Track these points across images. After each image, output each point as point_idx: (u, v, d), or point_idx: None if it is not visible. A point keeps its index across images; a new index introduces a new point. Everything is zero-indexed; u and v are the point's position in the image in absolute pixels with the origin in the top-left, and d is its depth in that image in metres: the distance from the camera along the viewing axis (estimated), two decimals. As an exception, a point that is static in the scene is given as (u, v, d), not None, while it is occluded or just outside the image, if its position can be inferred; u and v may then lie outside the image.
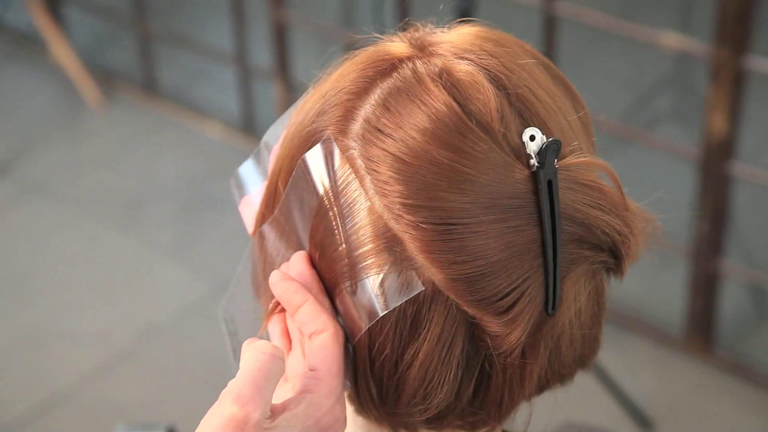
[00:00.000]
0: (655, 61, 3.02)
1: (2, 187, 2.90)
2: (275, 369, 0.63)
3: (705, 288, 2.26)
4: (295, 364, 0.68)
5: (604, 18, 2.33)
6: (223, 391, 0.62)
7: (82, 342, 2.39)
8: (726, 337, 2.32)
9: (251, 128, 3.00)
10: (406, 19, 0.74)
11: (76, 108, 3.18)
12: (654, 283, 2.43)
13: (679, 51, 2.44)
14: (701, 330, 2.30)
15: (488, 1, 2.24)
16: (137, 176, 2.93)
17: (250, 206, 0.74)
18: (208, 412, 0.61)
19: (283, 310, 0.69)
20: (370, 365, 0.66)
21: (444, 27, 0.70)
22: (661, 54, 2.76)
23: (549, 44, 2.30)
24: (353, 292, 0.65)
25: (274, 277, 0.67)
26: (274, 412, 0.63)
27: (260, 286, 0.72)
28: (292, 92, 2.80)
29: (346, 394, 0.69)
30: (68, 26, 3.37)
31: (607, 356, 2.17)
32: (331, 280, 0.66)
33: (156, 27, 3.19)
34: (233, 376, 0.64)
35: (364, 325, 0.65)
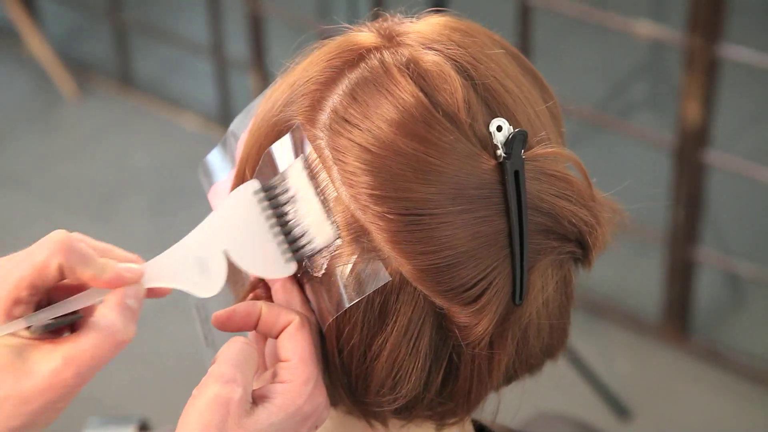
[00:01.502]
0: (629, 50, 3.03)
1: (-23, 180, 2.89)
2: (250, 352, 0.64)
3: (681, 275, 2.27)
4: (273, 352, 0.68)
5: (577, 7, 2.33)
6: (204, 377, 0.63)
7: (58, 335, 2.38)
8: (702, 323, 2.34)
9: (227, 119, 2.99)
10: (376, 9, 0.73)
11: (51, 100, 3.16)
12: (630, 270, 2.45)
13: (653, 39, 2.45)
14: (677, 317, 2.31)
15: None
16: (112, 168, 2.92)
17: (219, 194, 0.74)
18: (191, 397, 0.62)
19: (255, 297, 0.69)
20: (339, 354, 0.66)
21: (412, 17, 0.70)
22: (634, 42, 2.77)
23: (524, 34, 2.30)
24: (321, 282, 0.65)
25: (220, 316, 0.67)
26: (254, 399, 0.64)
27: (232, 273, 0.72)
28: (268, 83, 2.78)
29: None
30: (42, 18, 3.35)
31: (582, 344, 2.18)
32: (301, 269, 0.66)
33: (131, 18, 3.18)
34: (205, 362, 0.64)
35: (332, 315, 0.65)
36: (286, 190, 0.65)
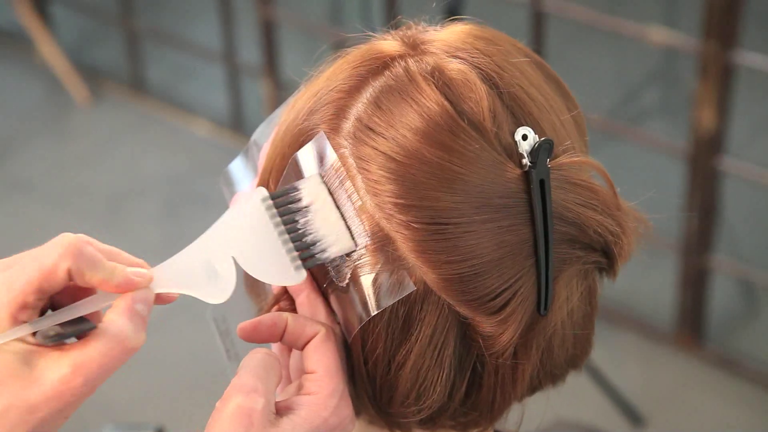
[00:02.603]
0: (642, 56, 3.03)
1: (-12, 186, 2.89)
2: (273, 363, 0.64)
3: (694, 283, 2.26)
4: (298, 365, 0.68)
5: (591, 13, 2.33)
6: (227, 389, 0.62)
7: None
8: (715, 331, 2.33)
9: (239, 126, 2.99)
10: (398, 17, 0.73)
11: (62, 106, 3.16)
12: (643, 277, 2.44)
13: (667, 46, 2.44)
14: (690, 324, 2.30)
15: (476, -3, 2.23)
16: (123, 174, 2.92)
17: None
18: (215, 410, 0.62)
19: (279, 310, 0.69)
20: (364, 364, 0.66)
21: (436, 25, 0.70)
22: (648, 49, 2.76)
23: (537, 39, 2.30)
24: (346, 292, 0.65)
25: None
26: (278, 410, 0.63)
27: (254, 284, 0.71)
28: (280, 90, 2.79)
29: None
30: (55, 24, 3.36)
31: (596, 352, 2.16)
32: (325, 279, 0.66)
33: (143, 24, 3.18)
34: (228, 375, 0.64)
35: (356, 325, 0.65)
36: (299, 200, 0.64)
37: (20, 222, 2.77)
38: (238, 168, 0.74)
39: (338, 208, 0.64)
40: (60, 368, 0.57)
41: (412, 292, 0.63)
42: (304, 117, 0.67)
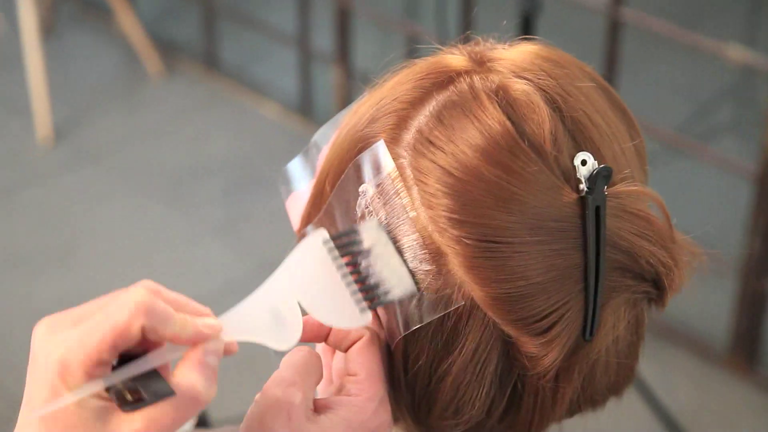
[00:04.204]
0: (718, 73, 2.98)
1: (59, 151, 2.95)
2: (314, 361, 0.65)
3: (752, 306, 2.23)
4: (340, 366, 0.68)
5: (669, 26, 2.30)
6: (266, 382, 0.63)
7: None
8: (770, 357, 2.30)
9: (307, 111, 3.01)
10: (468, 32, 0.73)
11: (136, 78, 3.21)
12: (701, 296, 2.41)
13: (744, 64, 2.40)
14: (745, 348, 2.27)
15: (553, 3, 2.22)
16: (189, 151, 2.95)
17: (297, 203, 0.74)
18: (253, 402, 0.63)
19: None
20: (405, 374, 0.66)
21: (505, 43, 0.70)
22: (724, 66, 2.72)
23: (612, 49, 2.27)
24: (393, 301, 0.65)
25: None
26: (317, 407, 0.64)
27: None
28: (350, 79, 2.80)
29: None
30: (135, -4, 3.41)
31: (648, 367, 2.15)
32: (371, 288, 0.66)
33: (221, 2, 3.21)
34: (273, 370, 0.65)
35: (400, 334, 0.65)
36: (360, 242, 0.64)
37: (88, 192, 2.82)
38: (296, 167, 0.75)
39: (399, 252, 0.64)
40: (133, 424, 0.58)
41: (458, 307, 0.63)
42: (365, 124, 0.67)
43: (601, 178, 0.63)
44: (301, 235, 0.72)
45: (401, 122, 0.65)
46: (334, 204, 0.68)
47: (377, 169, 0.65)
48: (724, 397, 2.26)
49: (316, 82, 3.01)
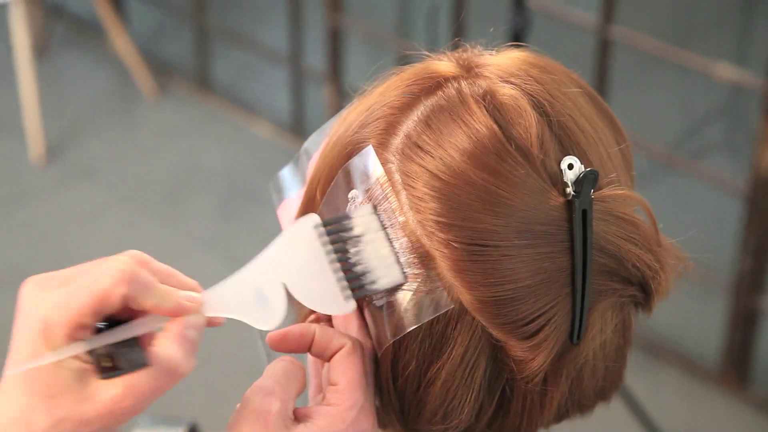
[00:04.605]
0: (709, 91, 3.00)
1: (53, 169, 2.95)
2: (295, 370, 0.65)
3: (743, 323, 2.23)
4: (327, 376, 0.69)
5: (658, 44, 2.31)
6: (246, 391, 0.64)
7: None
8: (762, 374, 2.29)
9: (300, 129, 3.02)
10: (457, 39, 0.74)
11: (129, 97, 3.22)
12: (692, 314, 2.41)
13: (733, 82, 2.42)
14: (737, 365, 2.27)
15: (543, 20, 2.23)
16: (183, 169, 2.96)
17: (288, 211, 0.75)
18: (234, 411, 0.63)
19: (316, 320, 0.70)
20: (394, 380, 0.67)
21: (493, 49, 0.70)
22: (714, 84, 2.74)
23: (602, 67, 2.29)
24: (382, 305, 0.65)
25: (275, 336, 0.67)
26: (298, 416, 0.64)
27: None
28: (342, 96, 2.81)
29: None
30: (129, 16, 3.42)
31: (638, 384, 2.15)
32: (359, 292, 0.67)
33: (213, 22, 3.22)
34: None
35: (389, 339, 0.65)
36: (351, 228, 0.65)
37: (81, 209, 2.82)
38: (288, 175, 0.76)
39: (389, 240, 0.64)
40: (112, 388, 0.60)
41: (447, 311, 0.63)
42: (355, 130, 0.68)
43: (587, 181, 0.63)
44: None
45: (390, 127, 0.66)
46: (324, 210, 0.68)
47: (366, 174, 0.66)
48: (715, 415, 2.26)
49: (309, 101, 3.01)
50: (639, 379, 2.20)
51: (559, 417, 0.70)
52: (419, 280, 0.64)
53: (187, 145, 3.05)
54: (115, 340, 0.61)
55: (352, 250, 0.65)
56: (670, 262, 0.67)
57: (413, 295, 0.64)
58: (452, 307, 0.63)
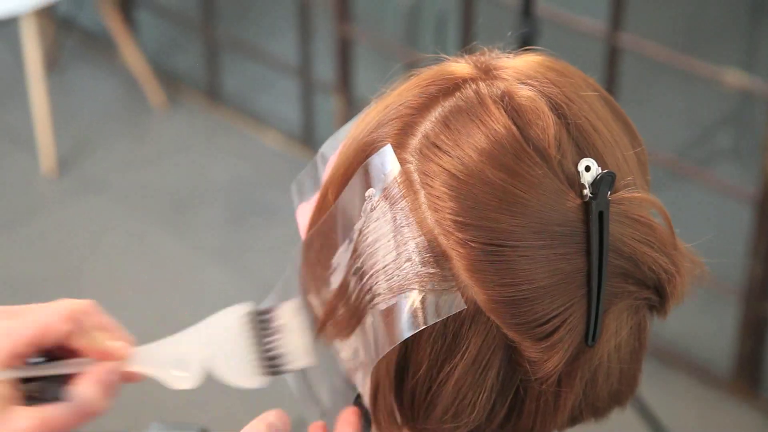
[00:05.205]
0: (717, 98, 3.00)
1: (63, 182, 2.96)
2: (274, 421, 0.70)
3: (755, 330, 2.23)
4: None
5: (667, 51, 2.32)
6: None
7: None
8: (773, 381, 2.29)
9: (309, 140, 3.03)
10: (473, 43, 0.74)
11: (139, 109, 3.23)
12: (703, 321, 2.41)
13: (742, 89, 2.42)
14: (748, 373, 2.27)
15: (551, 28, 2.24)
16: (192, 179, 2.97)
17: (303, 215, 0.75)
18: None
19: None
20: (403, 378, 0.67)
21: (509, 53, 0.71)
22: (723, 91, 2.74)
23: (611, 74, 2.29)
24: (395, 304, 0.66)
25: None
26: None
27: (307, 294, 0.73)
28: (352, 107, 2.82)
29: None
30: (138, 29, 3.43)
31: (649, 390, 2.15)
32: (372, 291, 0.67)
33: (223, 34, 3.24)
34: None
35: (404, 336, 0.65)
36: (274, 320, 0.73)
37: (92, 221, 2.83)
38: (305, 178, 0.76)
39: (309, 329, 0.72)
40: (31, 419, 0.66)
41: (462, 310, 0.64)
42: (372, 130, 0.68)
43: (604, 183, 0.63)
44: (304, 242, 0.73)
45: (407, 128, 0.66)
46: (339, 208, 0.69)
47: (384, 173, 0.66)
48: (727, 422, 2.26)
49: (318, 111, 3.02)
50: (650, 386, 2.19)
51: (573, 420, 0.70)
52: (435, 279, 0.64)
53: (197, 156, 3.06)
54: (43, 373, 0.68)
55: (275, 339, 0.73)
56: (685, 266, 0.67)
57: (428, 293, 0.64)
58: (467, 307, 0.64)
